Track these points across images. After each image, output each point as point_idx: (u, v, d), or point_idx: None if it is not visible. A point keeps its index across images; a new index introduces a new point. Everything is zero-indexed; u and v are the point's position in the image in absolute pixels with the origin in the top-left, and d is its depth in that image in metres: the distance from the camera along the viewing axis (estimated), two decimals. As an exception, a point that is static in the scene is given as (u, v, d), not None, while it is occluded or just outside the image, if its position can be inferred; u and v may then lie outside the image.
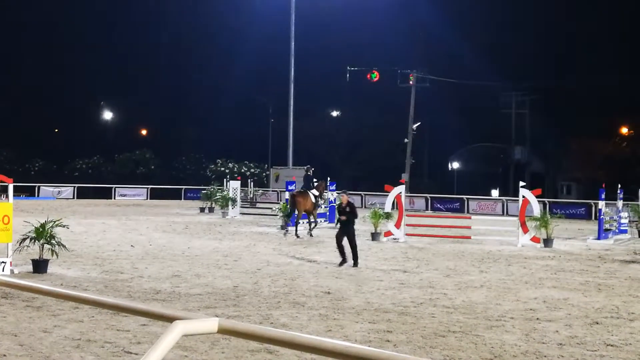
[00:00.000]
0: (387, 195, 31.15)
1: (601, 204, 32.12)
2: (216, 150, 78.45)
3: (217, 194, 45.82)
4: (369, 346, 9.54)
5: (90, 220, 36.42)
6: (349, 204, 22.11)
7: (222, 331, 4.37)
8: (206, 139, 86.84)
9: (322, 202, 34.74)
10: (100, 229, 31.60)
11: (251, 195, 56.65)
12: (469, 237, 30.13)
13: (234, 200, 43.69)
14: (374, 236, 29.39)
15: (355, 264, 20.60)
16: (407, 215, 31.02)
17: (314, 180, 34.81)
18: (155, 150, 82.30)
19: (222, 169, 69.70)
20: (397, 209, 30.35)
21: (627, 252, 27.28)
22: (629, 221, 36.23)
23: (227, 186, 45.39)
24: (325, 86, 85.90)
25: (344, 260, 20.68)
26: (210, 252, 23.79)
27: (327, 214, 37.64)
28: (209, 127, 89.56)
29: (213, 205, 46.94)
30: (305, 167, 36.99)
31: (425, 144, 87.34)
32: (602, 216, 32.06)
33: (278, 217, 34.96)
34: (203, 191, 50.55)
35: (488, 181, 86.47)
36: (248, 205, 50.76)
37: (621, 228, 34.54)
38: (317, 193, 33.34)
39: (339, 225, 22.15)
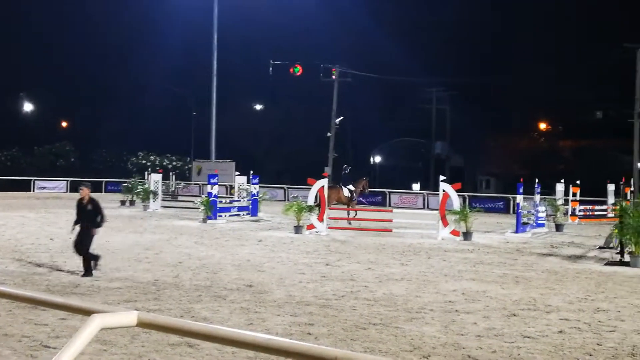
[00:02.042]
0: (310, 188, 31.26)
1: (519, 198, 32.67)
2: (138, 143, 77.64)
3: (139, 187, 45.36)
4: (290, 339, 9.58)
5: (8, 213, 35.76)
6: (92, 200, 17.96)
7: (142, 325, 4.35)
8: (128, 132, 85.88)
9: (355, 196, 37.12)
10: (18, 222, 31.07)
11: (173, 189, 56.24)
12: (390, 230, 30.38)
13: (155, 194, 43.31)
14: (297, 229, 29.45)
15: (87, 273, 16.90)
16: (329, 209, 31.17)
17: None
18: (75, 142, 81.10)
19: (144, 161, 69.03)
20: (319, 202, 30.46)
21: (544, 245, 27.82)
22: (546, 215, 36.93)
23: (149, 179, 44.98)
24: (249, 79, 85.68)
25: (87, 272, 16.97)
26: (131, 245, 23.55)
27: (250, 207, 37.58)
28: (130, 119, 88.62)
29: (134, 198, 46.46)
30: (343, 167, 39.59)
31: (347, 138, 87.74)
32: (520, 210, 32.62)
33: (200, 210, 34.83)
34: (124, 184, 49.98)
35: (409, 175, 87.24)
36: (170, 199, 50.38)
37: (538, 222, 35.17)
38: (352, 188, 36.16)
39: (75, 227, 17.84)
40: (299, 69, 65.93)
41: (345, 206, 35.47)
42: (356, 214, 34.44)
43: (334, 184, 36.88)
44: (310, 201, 30.43)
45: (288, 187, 59.90)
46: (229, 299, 14.19)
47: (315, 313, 12.96)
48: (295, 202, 30.71)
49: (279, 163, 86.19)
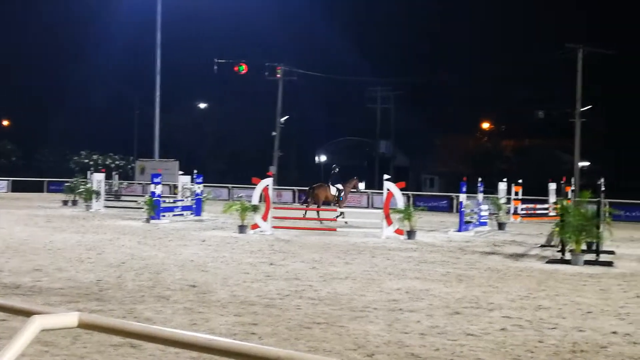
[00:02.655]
0: (255, 187, 31.18)
1: (462, 197, 32.94)
2: (80, 142, 76.82)
3: (81, 187, 44.89)
4: (234, 339, 9.54)
5: (-54, 213, 35.18)
6: None
7: (83, 326, 4.29)
8: (70, 131, 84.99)
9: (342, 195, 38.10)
10: (-44, 223, 30.57)
11: (116, 188, 55.76)
12: (334, 230, 30.45)
13: (97, 193, 42.88)
14: (241, 229, 29.36)
15: None
16: (274, 208, 31.14)
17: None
18: (16, 141, 79.98)
19: (86, 161, 68.28)
20: (264, 201, 30.42)
21: (487, 243, 28.08)
22: (489, 214, 37.29)
23: (91, 178, 44.54)
24: (193, 78, 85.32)
25: None
26: (73, 245, 23.29)
27: (194, 206, 37.39)
28: (73, 118, 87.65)
29: (76, 198, 45.98)
30: (332, 166, 39.90)
31: (293, 137, 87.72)
32: (463, 209, 32.90)
33: (143, 210, 34.58)
34: (66, 184, 49.41)
35: (354, 174, 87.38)
36: (112, 198, 49.96)
37: (481, 220, 35.50)
38: (340, 187, 37.19)
39: None
40: (243, 68, 65.79)
41: (331, 206, 36.72)
42: (342, 215, 35.20)
43: (321, 183, 37.96)
44: (255, 200, 30.37)
45: (232, 187, 59.73)
46: (172, 300, 14.09)
47: (259, 313, 12.92)
48: (235, 202, 30.69)
49: (223, 162, 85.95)
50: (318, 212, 35.72)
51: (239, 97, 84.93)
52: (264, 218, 29.73)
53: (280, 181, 65.64)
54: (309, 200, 37.62)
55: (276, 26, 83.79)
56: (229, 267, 18.95)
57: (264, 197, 30.54)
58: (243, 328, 11.68)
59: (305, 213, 35.33)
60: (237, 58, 66.80)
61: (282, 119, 71.33)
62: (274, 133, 71.57)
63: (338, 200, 37.12)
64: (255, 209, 29.86)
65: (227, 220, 34.17)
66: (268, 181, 30.95)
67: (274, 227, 29.96)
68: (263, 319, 12.41)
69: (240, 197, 35.20)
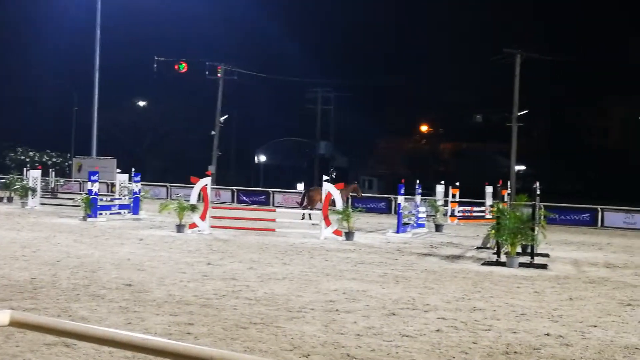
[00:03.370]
0: (193, 187, 31.03)
1: (400, 198, 33.15)
2: (17, 138, 75.68)
3: (17, 184, 44.24)
4: (169, 339, 9.48)
5: None
6: None
7: (15, 324, 4.24)
8: (6, 127, 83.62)
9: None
10: None
11: (52, 185, 55.04)
12: (273, 230, 30.44)
13: (34, 190, 42.29)
14: (179, 228, 29.20)
15: None
16: (212, 208, 31.01)
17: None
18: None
19: (22, 157, 67.33)
20: (202, 201, 30.30)
21: (424, 245, 28.30)
22: (427, 215, 37.58)
23: (27, 175, 43.93)
24: (133, 76, 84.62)
25: None
26: (7, 243, 22.94)
27: (132, 205, 37.08)
28: (9, 115, 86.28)
29: (12, 195, 45.31)
30: (330, 170, 39.09)
31: (232, 136, 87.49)
32: (400, 211, 33.11)
33: (80, 208, 34.20)
34: (1, 180, 48.63)
35: (294, 175, 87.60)
36: (49, 196, 49.31)
37: (419, 222, 35.76)
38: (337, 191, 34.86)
39: None
40: (184, 66, 65.45)
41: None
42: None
43: (317, 187, 37.19)
44: (193, 200, 30.22)
45: (171, 186, 59.33)
46: (107, 298, 13.96)
47: (196, 312, 12.86)
48: (171, 201, 30.50)
49: (162, 161, 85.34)
50: (310, 215, 35.85)
51: (178, 96, 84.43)
52: (202, 217, 29.59)
53: (219, 181, 65.45)
54: (304, 202, 37.70)
55: (218, 26, 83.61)
56: (166, 267, 18.83)
57: (202, 197, 30.41)
58: (179, 328, 11.62)
59: (303, 216, 35.52)
60: (177, 57, 66.43)
61: (222, 119, 71.02)
62: (213, 132, 71.23)
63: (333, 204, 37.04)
64: (193, 208, 29.71)
65: (165, 219, 33.96)
66: (207, 180, 30.80)
67: (212, 226, 29.84)
68: (199, 318, 12.36)
69: (179, 196, 34.98)
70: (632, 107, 78.44)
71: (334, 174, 38.26)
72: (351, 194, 39.44)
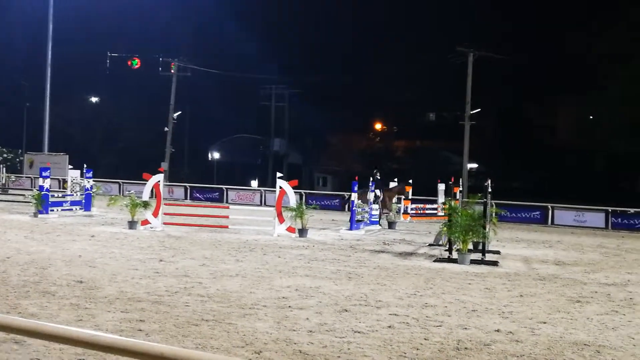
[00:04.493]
0: (146, 183, 30.85)
1: (354, 195, 33.23)
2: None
3: (-34, 179, 43.72)
4: (120, 335, 9.43)
5: None
6: None
7: (-38, 321, 4.20)
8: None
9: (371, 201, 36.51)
10: None
11: (3, 182, 54.41)
12: (226, 227, 30.36)
13: (-17, 186, 41.81)
14: (131, 225, 29.01)
15: None
16: (165, 204, 30.86)
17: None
18: None
19: (-28, 153, 66.46)
20: (155, 197, 30.14)
21: (377, 242, 28.41)
22: (380, 213, 37.70)
23: (-23, 171, 43.41)
24: (86, 72, 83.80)
25: None
26: (-45, 239, 22.66)
27: (83, 201, 36.75)
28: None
29: (-39, 191, 44.76)
30: (374, 171, 38.56)
31: (186, 133, 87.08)
32: (354, 208, 33.19)
33: (31, 204, 33.85)
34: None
35: (247, 171, 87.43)
36: (0, 192, 48.74)
37: (372, 219, 35.88)
38: (378, 193, 36.34)
39: None
40: (137, 62, 65.01)
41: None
42: (387, 215, 35.83)
43: (362, 190, 36.38)
44: (146, 196, 30.05)
45: (123, 182, 58.93)
46: (58, 295, 13.83)
47: (147, 309, 12.79)
48: (119, 196, 30.29)
49: (114, 157, 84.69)
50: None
51: (132, 92, 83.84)
52: (155, 214, 29.42)
53: (172, 177, 65.19)
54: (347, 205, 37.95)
55: (173, 22, 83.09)
56: (118, 263, 18.70)
57: (155, 193, 30.25)
58: (130, 325, 11.55)
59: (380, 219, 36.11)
60: (130, 52, 65.94)
61: (175, 115, 70.67)
62: (166, 129, 70.85)
63: (379, 206, 36.99)
64: (145, 205, 29.53)
65: (117, 216, 33.72)
66: (159, 177, 30.64)
67: (165, 223, 29.70)
68: (151, 315, 12.30)
69: (131, 192, 34.74)
70: (583, 106, 79.39)
71: (378, 174, 37.92)
72: (397, 195, 39.21)
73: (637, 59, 67.65)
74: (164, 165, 64.25)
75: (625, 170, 74.64)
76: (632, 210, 48.00)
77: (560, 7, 79.53)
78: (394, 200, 37.67)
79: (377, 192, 36.69)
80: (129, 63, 65.00)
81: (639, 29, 68.41)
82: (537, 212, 48.14)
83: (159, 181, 30.38)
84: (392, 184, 40.08)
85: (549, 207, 47.81)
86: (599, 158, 75.48)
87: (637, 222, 45.68)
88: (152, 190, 30.41)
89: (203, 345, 10.43)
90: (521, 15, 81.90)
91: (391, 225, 36.45)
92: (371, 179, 36.51)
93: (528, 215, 47.99)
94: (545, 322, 13.27)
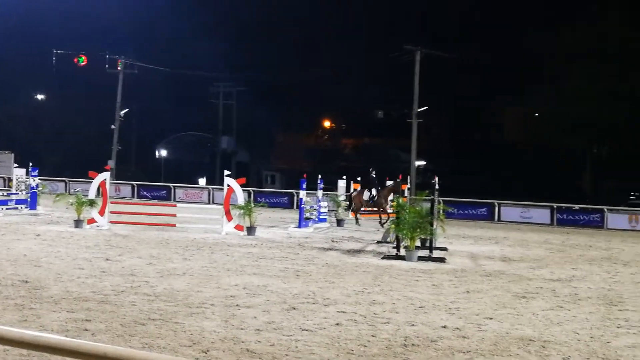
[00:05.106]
0: (92, 181, 30.55)
1: (302, 193, 33.26)
2: None
3: None
4: (66, 336, 9.33)
5: None
6: None
7: None
8: None
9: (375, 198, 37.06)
10: None
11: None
12: (174, 225, 30.19)
13: None
14: (77, 223, 28.70)
15: None
16: (111, 203, 30.60)
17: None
18: None
19: None
20: (101, 196, 29.86)
21: (326, 239, 28.46)
22: (328, 210, 37.79)
23: None
24: (31, 69, 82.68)
25: None
26: None
27: (29, 200, 36.29)
28: None
29: None
30: (369, 170, 37.87)
31: (133, 131, 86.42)
32: (302, 205, 33.22)
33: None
34: None
35: (195, 169, 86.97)
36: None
37: (321, 217, 35.95)
38: (374, 192, 36.27)
39: None
40: (83, 59, 64.38)
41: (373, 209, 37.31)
42: (387, 220, 34.50)
43: (359, 190, 37.73)
44: (92, 195, 29.76)
45: (69, 181, 58.31)
46: (2, 295, 13.63)
47: (93, 309, 12.67)
48: (67, 194, 29.98)
49: (60, 155, 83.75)
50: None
51: (78, 90, 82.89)
52: (101, 213, 29.16)
53: (119, 176, 64.63)
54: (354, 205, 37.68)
55: (120, 19, 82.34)
56: (64, 263, 18.50)
57: (101, 192, 29.97)
58: (76, 324, 11.43)
59: (387, 219, 35.10)
60: (77, 50, 65.24)
61: (122, 113, 70.07)
62: (113, 126, 70.22)
63: (375, 205, 36.87)
64: (91, 203, 29.25)
65: (63, 214, 33.37)
66: (105, 175, 30.37)
67: (112, 222, 29.45)
68: (97, 315, 12.18)
69: (78, 191, 34.40)
70: (529, 103, 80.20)
71: (374, 173, 37.69)
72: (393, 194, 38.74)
73: (583, 57, 68.50)
74: (111, 163, 63.72)
75: (570, 167, 75.61)
76: (576, 206, 48.75)
77: (507, 6, 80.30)
78: (390, 198, 37.13)
79: (373, 191, 36.67)
80: (75, 60, 64.35)
81: (584, 27, 69.28)
82: (484, 209, 48.62)
83: (105, 179, 30.12)
84: (389, 183, 39.83)
85: (496, 203, 48.30)
86: (544, 155, 76.30)
87: (581, 218, 46.33)
88: (98, 189, 30.12)
89: (150, 344, 10.36)
90: (468, 13, 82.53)
91: (340, 222, 36.53)
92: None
93: (475, 212, 48.45)
94: (491, 318, 13.39)
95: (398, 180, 37.57)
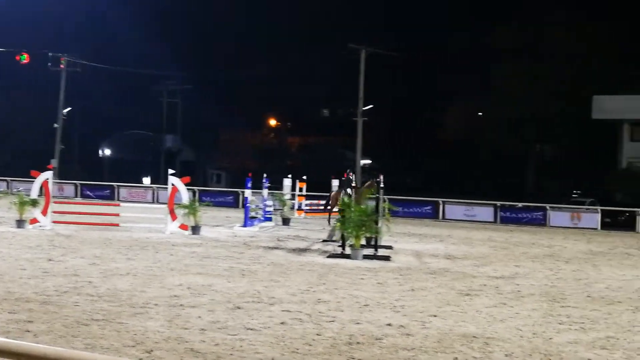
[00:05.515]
0: (34, 181, 30.15)
1: (247, 192, 33.19)
2: None
3: None
4: (7, 337, 9.19)
5: None
6: None
7: None
8: None
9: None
10: None
11: None
12: (117, 225, 29.92)
13: None
14: (19, 223, 28.31)
15: None
16: (54, 202, 30.24)
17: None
18: None
19: None
20: (44, 195, 29.49)
21: (271, 238, 28.44)
22: (274, 209, 37.77)
23: None
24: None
25: None
26: None
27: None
28: None
29: None
30: (347, 170, 37.23)
31: (76, 129, 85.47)
32: (248, 204, 33.15)
33: None
34: None
35: (139, 169, 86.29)
36: None
37: (266, 216, 35.90)
38: (349, 191, 34.61)
39: None
40: (25, 57, 63.45)
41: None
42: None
43: (338, 190, 36.72)
44: (34, 194, 29.37)
45: (12, 180, 57.53)
46: (-59, 297, 13.42)
47: (35, 310, 12.51)
48: (6, 191, 29.55)
49: (2, 155, 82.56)
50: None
51: (20, 88, 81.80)
52: (44, 213, 28.81)
53: (62, 175, 63.82)
54: (330, 204, 37.10)
55: (63, 16, 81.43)
56: (5, 263, 18.24)
57: (44, 191, 29.60)
58: (17, 325, 11.28)
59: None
60: (19, 47, 64.33)
61: (65, 111, 69.25)
62: (55, 125, 69.37)
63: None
64: (34, 203, 28.88)
65: (4, 214, 32.87)
66: (48, 174, 30.00)
67: (54, 222, 29.10)
68: (39, 316, 12.03)
69: (20, 190, 33.92)
70: (472, 103, 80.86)
71: (351, 173, 37.36)
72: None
73: (524, 55, 69.24)
74: (54, 162, 62.98)
75: (512, 166, 76.37)
76: (520, 204, 49.32)
77: (451, 6, 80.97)
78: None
79: (349, 190, 36.34)
80: (17, 58, 63.45)
81: (527, 28, 70.02)
82: (429, 207, 48.95)
83: (48, 179, 29.75)
84: (369, 183, 39.47)
85: (440, 202, 48.66)
86: (487, 154, 76.95)
87: (524, 216, 46.87)
88: (41, 188, 29.74)
89: (92, 345, 10.26)
90: (413, 13, 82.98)
91: (285, 221, 36.52)
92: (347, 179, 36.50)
93: (420, 210, 48.76)
94: (435, 316, 13.49)
95: (377, 179, 37.54)
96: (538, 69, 68.54)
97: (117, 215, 31.97)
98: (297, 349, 10.55)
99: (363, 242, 23.25)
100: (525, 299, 15.92)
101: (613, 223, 45.34)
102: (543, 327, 12.81)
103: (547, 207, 46.66)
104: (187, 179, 30.70)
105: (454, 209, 48.54)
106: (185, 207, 28.93)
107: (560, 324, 13.25)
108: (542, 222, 45.63)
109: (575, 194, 57.84)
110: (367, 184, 37.20)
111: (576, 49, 67.47)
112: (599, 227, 44.05)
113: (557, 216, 46.10)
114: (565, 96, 67.63)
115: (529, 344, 11.47)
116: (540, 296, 16.44)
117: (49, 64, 67.92)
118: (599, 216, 45.18)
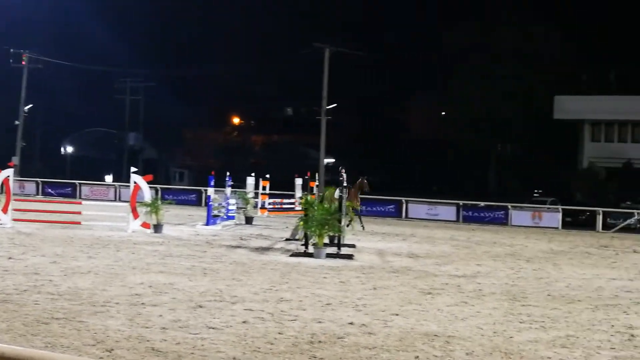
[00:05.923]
0: (-6, 179, 29.86)
1: (210, 190, 33.10)
2: None
3: None
4: (-36, 336, 9.10)
5: None
6: None
7: None
8: None
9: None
10: None
11: None
12: (79, 223, 29.69)
13: None
14: (-21, 222, 28.05)
15: None
16: (15, 200, 29.95)
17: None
18: None
19: None
20: (4, 193, 29.21)
21: (234, 237, 28.37)
22: (237, 208, 37.68)
23: None
24: None
25: None
26: None
27: None
28: None
29: None
30: (339, 168, 36.60)
31: (38, 127, 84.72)
32: (210, 203, 33.05)
33: None
34: None
35: (102, 166, 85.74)
36: None
37: (229, 214, 35.81)
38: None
39: None
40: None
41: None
42: (353, 219, 33.20)
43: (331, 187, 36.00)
44: (-6, 192, 29.10)
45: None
46: None
47: (-5, 309, 12.39)
48: None
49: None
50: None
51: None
52: (4, 210, 28.52)
53: (23, 172, 63.30)
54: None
55: (25, 12, 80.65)
56: (-36, 262, 18.05)
57: (4, 189, 29.32)
58: (-24, 325, 11.16)
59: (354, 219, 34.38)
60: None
61: (26, 108, 68.64)
62: (17, 122, 68.73)
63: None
64: (-8, 201, 28.61)
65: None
66: (9, 172, 29.68)
67: (15, 219, 28.82)
68: (-2, 315, 11.92)
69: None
70: (436, 102, 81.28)
71: (344, 171, 36.88)
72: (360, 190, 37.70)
73: (483, 57, 69.66)
74: (15, 160, 62.43)
75: (475, 165, 76.83)
76: (482, 203, 49.63)
77: (417, 6, 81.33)
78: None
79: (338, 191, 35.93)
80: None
81: (491, 28, 70.46)
82: (392, 206, 49.13)
83: (8, 176, 29.43)
84: (359, 181, 39.14)
85: (403, 200, 48.85)
86: (450, 153, 77.40)
87: (486, 215, 47.18)
88: (1, 186, 29.48)
89: (53, 344, 10.17)
90: (377, 12, 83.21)
91: (248, 220, 36.45)
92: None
93: (383, 209, 48.93)
94: (397, 314, 13.52)
95: (365, 178, 37.51)
96: (498, 69, 68.97)
97: (79, 213, 31.72)
98: (259, 348, 10.53)
99: (326, 240, 23.27)
100: (487, 298, 16.02)
101: (574, 222, 45.83)
102: (504, 326, 12.89)
103: (509, 207, 47.01)
104: (150, 177, 30.55)
105: (416, 208, 48.77)
106: (147, 205, 28.79)
107: (521, 322, 13.34)
108: (503, 221, 45.97)
109: (536, 193, 58.36)
110: (357, 182, 37.19)
111: (537, 49, 68.03)
112: (560, 227, 44.46)
113: (519, 215, 46.48)
114: (527, 96, 68.15)
115: (490, 343, 11.53)
116: (502, 295, 16.55)
117: (10, 60, 67.34)
118: (560, 215, 45.61)
